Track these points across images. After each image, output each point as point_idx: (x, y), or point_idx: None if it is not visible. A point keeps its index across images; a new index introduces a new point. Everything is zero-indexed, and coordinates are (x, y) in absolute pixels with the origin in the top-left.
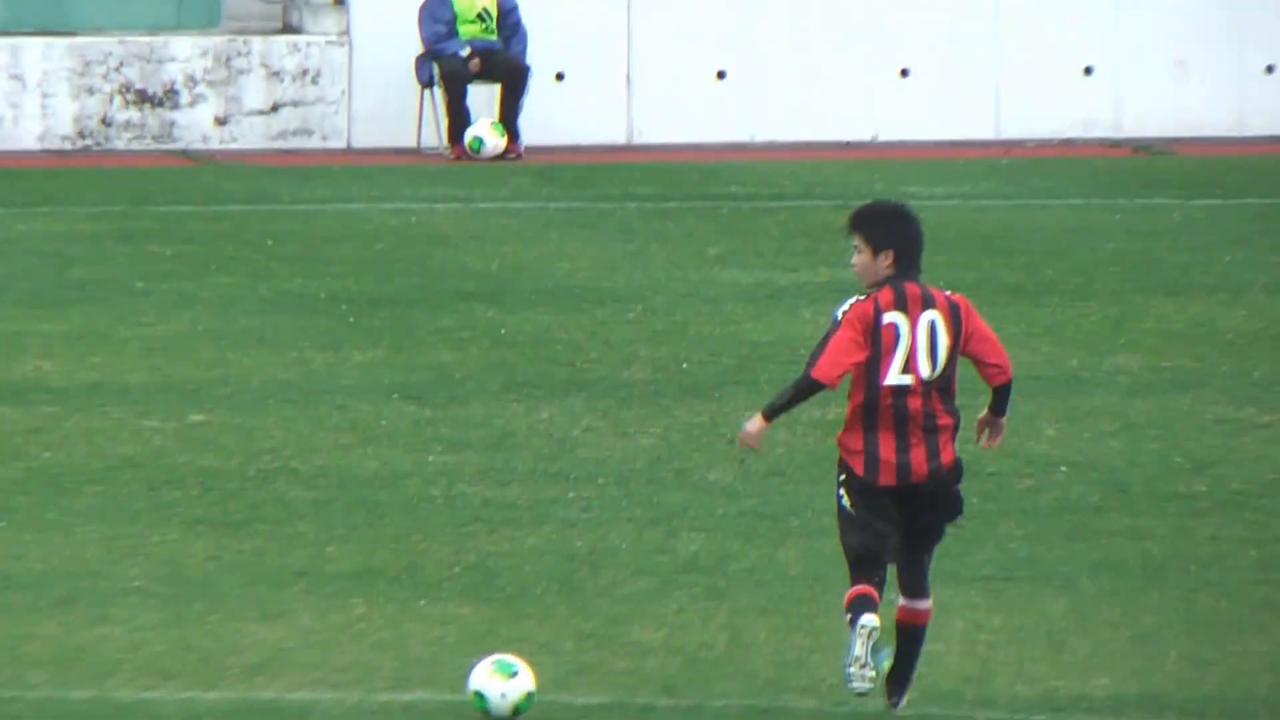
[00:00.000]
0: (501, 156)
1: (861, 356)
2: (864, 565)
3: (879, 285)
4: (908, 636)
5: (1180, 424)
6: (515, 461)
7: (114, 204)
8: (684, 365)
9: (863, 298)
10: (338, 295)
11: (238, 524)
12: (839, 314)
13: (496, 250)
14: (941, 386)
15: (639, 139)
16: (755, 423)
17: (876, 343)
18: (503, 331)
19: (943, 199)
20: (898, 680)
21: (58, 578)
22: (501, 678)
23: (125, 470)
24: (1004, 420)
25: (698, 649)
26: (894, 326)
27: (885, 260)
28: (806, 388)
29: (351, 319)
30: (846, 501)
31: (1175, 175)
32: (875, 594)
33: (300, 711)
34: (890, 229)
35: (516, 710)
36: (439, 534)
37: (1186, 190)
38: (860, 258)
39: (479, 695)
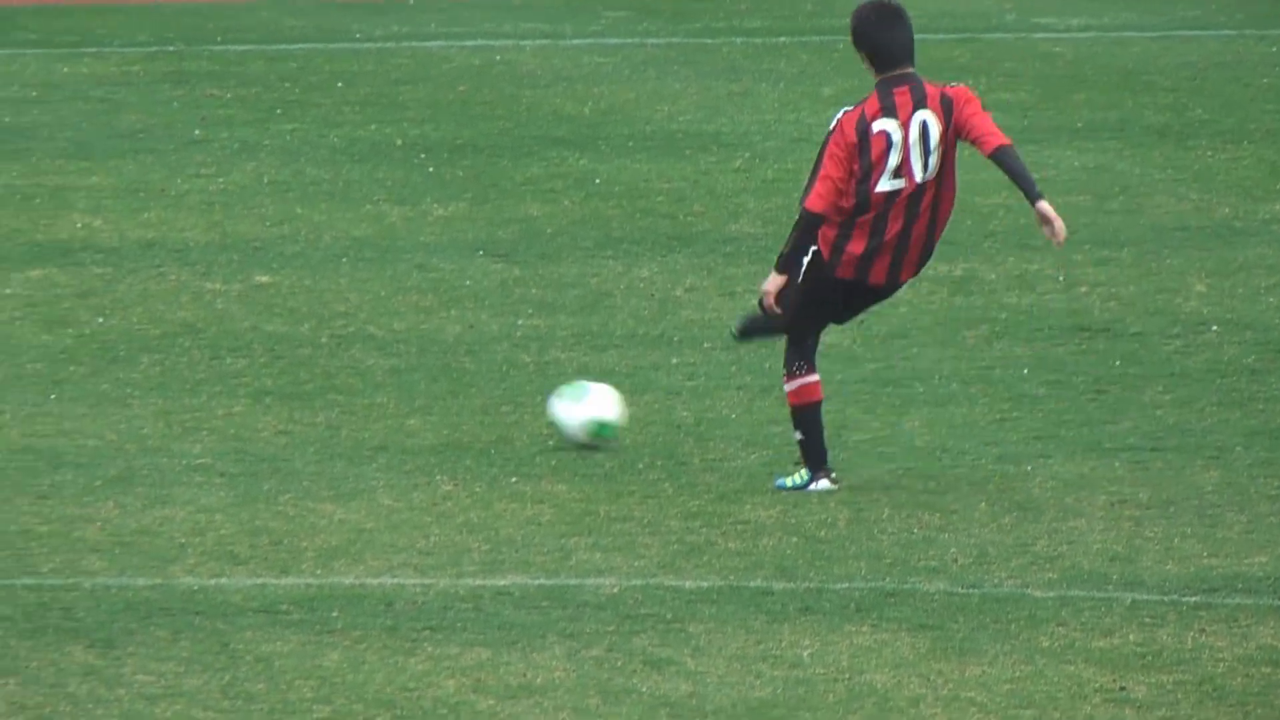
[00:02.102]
0: None
1: (849, 175)
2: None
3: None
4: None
5: None
6: (612, 324)
7: (167, 43)
8: (796, 217)
9: (851, 108)
10: (415, 143)
11: (310, 395)
12: (831, 126)
13: (589, 92)
14: (937, 188)
15: None
16: (773, 280)
17: (866, 153)
18: (597, 182)
19: (1079, 32)
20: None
21: (114, 455)
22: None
23: (185, 337)
24: (1043, 203)
25: (816, 528)
26: (885, 135)
27: (865, 62)
28: (807, 224)
29: (430, 169)
30: (803, 278)
31: None
32: None
33: (383, 597)
34: (863, 30)
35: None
36: (530, 404)
37: None
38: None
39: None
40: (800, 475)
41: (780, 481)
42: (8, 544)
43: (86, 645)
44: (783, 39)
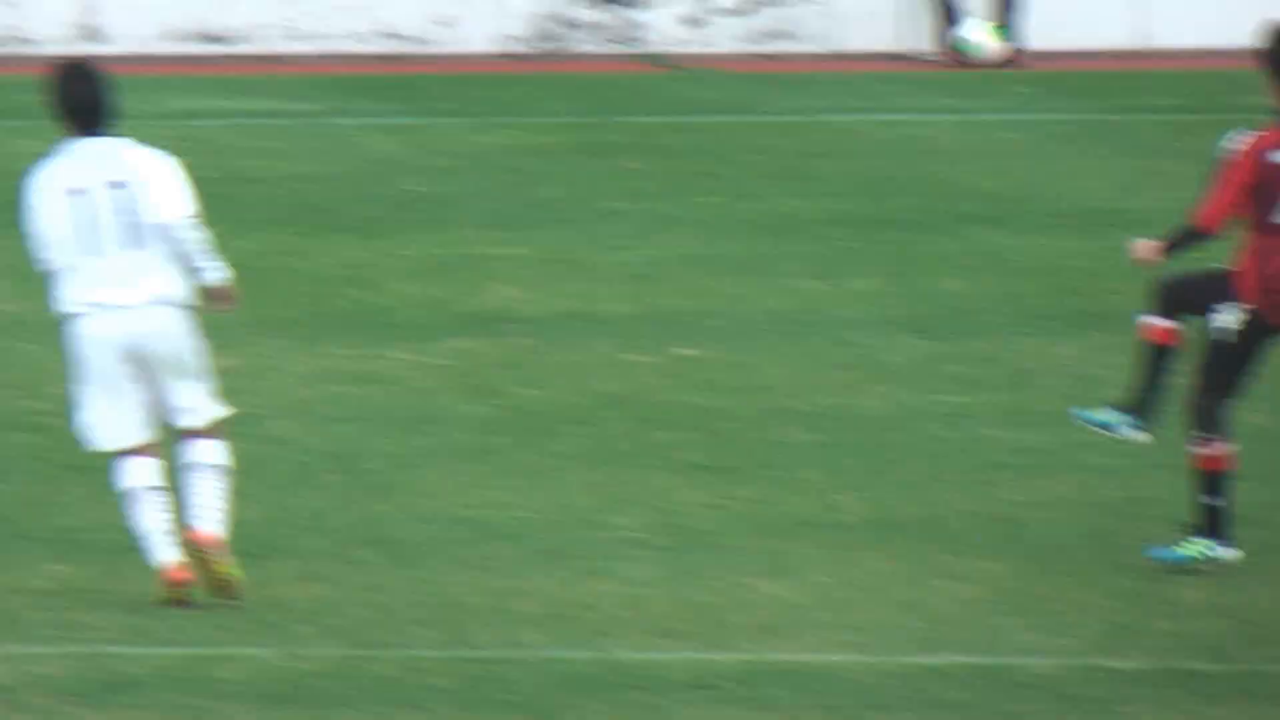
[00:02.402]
0: (1000, 63)
1: (1238, 200)
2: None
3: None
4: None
5: None
6: (1036, 402)
7: (578, 114)
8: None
9: (1246, 133)
10: (831, 217)
11: (737, 469)
12: (1225, 148)
13: (999, 167)
14: None
15: (1155, 43)
16: (1148, 245)
17: (1263, 183)
18: (1013, 258)
19: None
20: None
21: (545, 527)
22: None
23: (610, 409)
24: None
25: (1245, 609)
26: (1279, 167)
27: (1272, 87)
28: (1190, 235)
29: (847, 244)
30: (1239, 338)
31: None
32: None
33: (819, 675)
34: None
35: None
36: (959, 481)
37: None
38: (1271, 84)
39: None
40: (1204, 547)
41: (1180, 555)
42: (444, 616)
43: (525, 717)
44: (1193, 117)
